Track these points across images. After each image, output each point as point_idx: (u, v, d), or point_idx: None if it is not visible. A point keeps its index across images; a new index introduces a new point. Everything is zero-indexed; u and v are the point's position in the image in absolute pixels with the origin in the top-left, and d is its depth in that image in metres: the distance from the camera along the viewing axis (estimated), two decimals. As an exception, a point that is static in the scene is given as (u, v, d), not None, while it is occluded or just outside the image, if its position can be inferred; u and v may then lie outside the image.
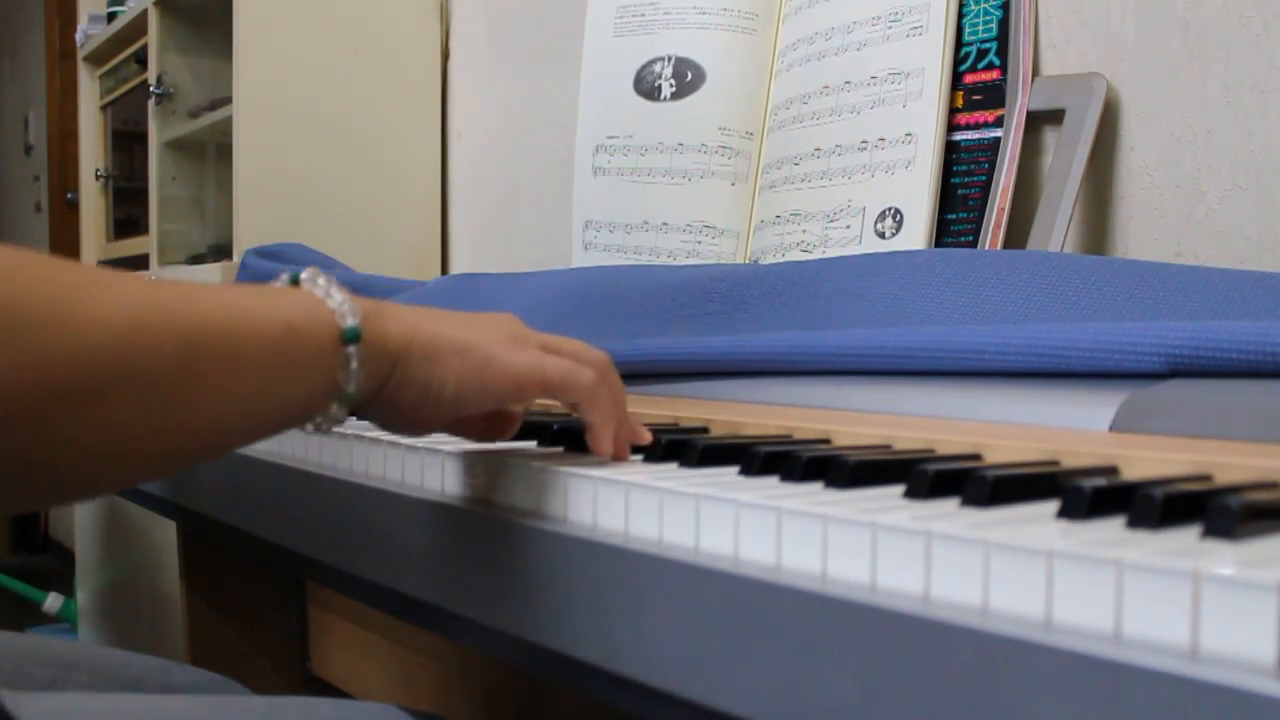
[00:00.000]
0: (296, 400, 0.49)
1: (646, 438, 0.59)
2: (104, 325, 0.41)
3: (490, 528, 0.55)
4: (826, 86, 1.10)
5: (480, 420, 0.59)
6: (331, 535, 0.69)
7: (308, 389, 0.49)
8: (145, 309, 0.42)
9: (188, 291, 0.45)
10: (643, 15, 1.31)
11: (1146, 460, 0.47)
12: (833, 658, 0.38)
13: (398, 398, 0.52)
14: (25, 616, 2.75)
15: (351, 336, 0.49)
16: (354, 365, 0.49)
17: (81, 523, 2.31)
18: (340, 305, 0.49)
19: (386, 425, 0.55)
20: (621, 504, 0.49)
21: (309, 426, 0.51)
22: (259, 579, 1.44)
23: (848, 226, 1.06)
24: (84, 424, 0.40)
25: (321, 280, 0.50)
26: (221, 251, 1.92)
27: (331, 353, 0.49)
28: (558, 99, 1.65)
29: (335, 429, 0.53)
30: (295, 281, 0.51)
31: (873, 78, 1.06)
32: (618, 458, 0.57)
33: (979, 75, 1.02)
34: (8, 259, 0.39)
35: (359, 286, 1.31)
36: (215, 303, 0.45)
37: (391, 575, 0.63)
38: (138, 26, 2.11)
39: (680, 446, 0.56)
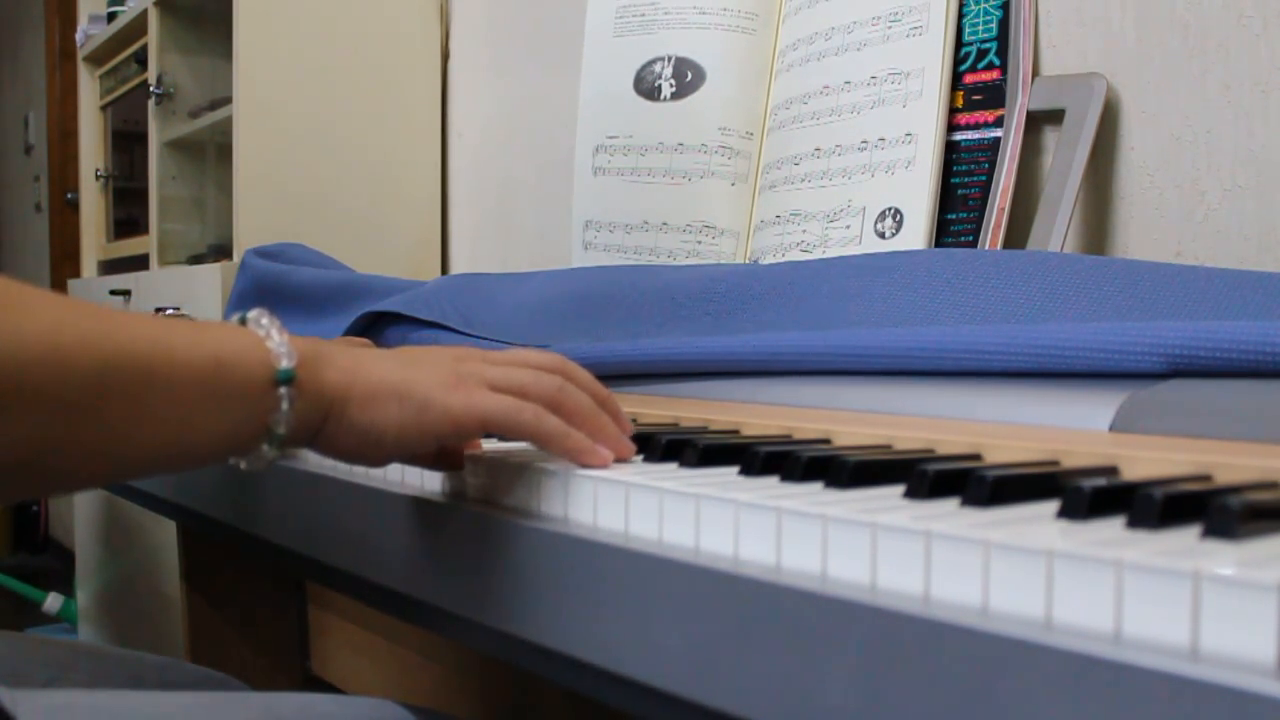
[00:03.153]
0: (221, 435, 0.49)
1: (627, 428, 0.58)
2: (17, 340, 0.41)
3: (490, 528, 0.55)
4: (826, 86, 1.10)
5: (431, 454, 0.59)
6: (331, 535, 0.69)
7: (234, 426, 0.49)
8: (61, 328, 0.43)
9: (114, 317, 0.45)
10: (643, 15, 1.31)
11: (1146, 460, 0.47)
12: (833, 658, 0.38)
13: (335, 442, 0.53)
14: (25, 616, 2.75)
15: (284, 378, 0.49)
16: (284, 407, 0.49)
17: (81, 523, 2.31)
18: (278, 346, 0.50)
19: (333, 457, 0.56)
20: (621, 504, 0.49)
21: (242, 464, 0.51)
22: (259, 579, 1.44)
23: (848, 226, 1.06)
24: None
25: (265, 320, 0.51)
26: (221, 251, 1.92)
27: (263, 393, 0.49)
28: (558, 99, 1.65)
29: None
30: (244, 321, 0.51)
31: (873, 78, 1.06)
32: (617, 460, 0.56)
33: (979, 75, 1.02)
34: None
35: (360, 287, 1.32)
36: (140, 331, 0.46)
37: (391, 575, 0.63)
38: (138, 26, 2.11)
39: (680, 446, 0.56)
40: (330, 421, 0.52)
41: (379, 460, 0.56)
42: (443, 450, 0.60)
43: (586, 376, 0.60)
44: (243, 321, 0.51)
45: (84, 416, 0.43)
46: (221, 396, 0.48)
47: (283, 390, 0.49)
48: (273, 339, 0.50)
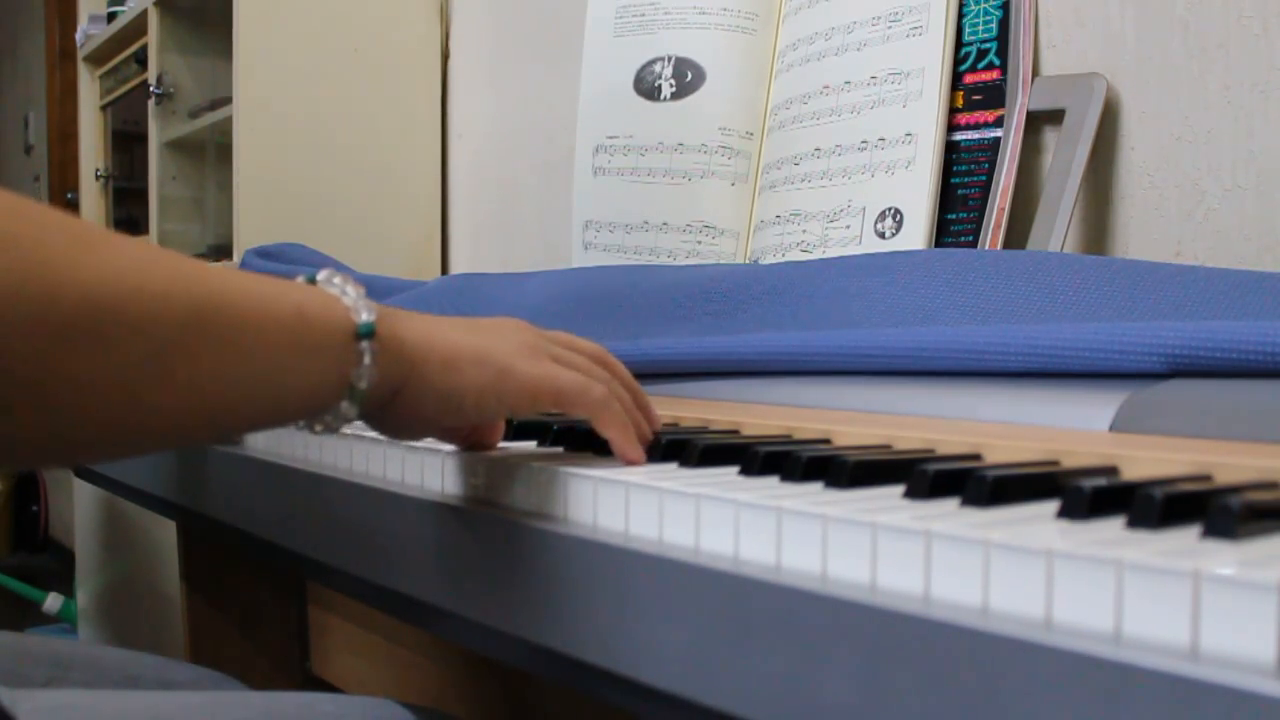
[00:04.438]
0: (305, 387, 0.48)
1: (657, 424, 0.60)
2: (112, 273, 0.41)
3: (490, 528, 0.55)
4: (826, 86, 1.10)
5: (470, 431, 0.60)
6: (331, 535, 0.69)
7: (318, 378, 0.48)
8: (153, 267, 0.43)
9: (197, 263, 0.46)
10: (643, 15, 1.31)
11: (1146, 460, 0.47)
12: (833, 658, 0.38)
13: (417, 405, 0.52)
14: (25, 616, 2.75)
15: (366, 331, 0.49)
16: (367, 361, 0.49)
17: (81, 523, 2.31)
18: (355, 301, 0.50)
19: (396, 431, 0.55)
20: (621, 504, 0.49)
21: (318, 426, 0.51)
22: (259, 579, 1.44)
23: (848, 226, 1.06)
24: (86, 365, 0.40)
25: (337, 279, 0.51)
26: (221, 251, 1.92)
27: (344, 346, 0.49)
28: (558, 99, 1.65)
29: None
30: (311, 280, 0.51)
31: (873, 78, 1.06)
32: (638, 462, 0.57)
33: (979, 75, 1.02)
34: (30, 208, 0.40)
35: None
36: (226, 277, 0.46)
37: (391, 575, 0.63)
38: (138, 26, 2.11)
39: (680, 446, 0.56)
40: (412, 382, 0.52)
41: (448, 426, 0.56)
42: (480, 428, 0.60)
43: (624, 369, 0.61)
44: (311, 280, 0.51)
45: (176, 359, 0.43)
46: (306, 348, 0.48)
47: (364, 345, 0.49)
48: (348, 295, 0.50)
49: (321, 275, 0.51)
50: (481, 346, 0.53)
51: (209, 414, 0.46)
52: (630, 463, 0.55)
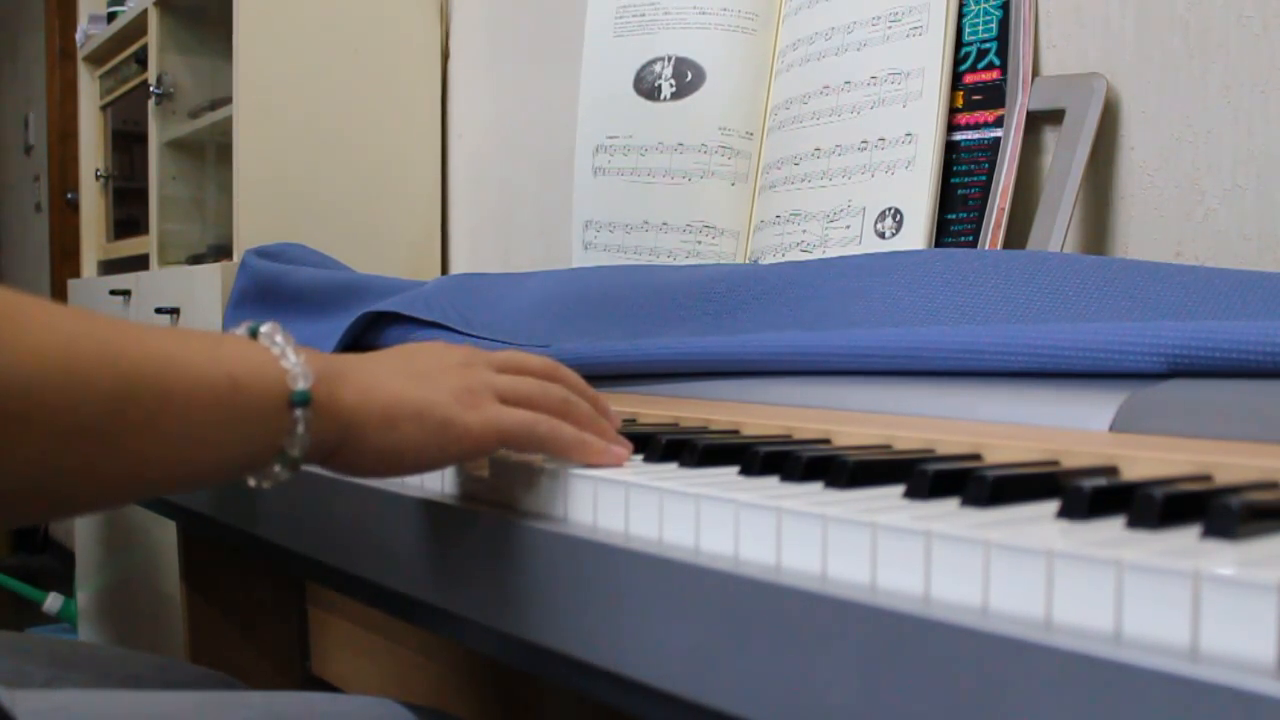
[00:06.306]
0: (235, 456, 0.47)
1: (616, 423, 0.59)
2: (32, 354, 0.40)
3: (490, 528, 0.55)
4: (826, 86, 1.10)
5: None
6: (331, 535, 0.69)
7: (248, 447, 0.47)
8: (78, 343, 0.41)
9: (128, 331, 0.44)
10: (643, 15, 1.31)
11: (1146, 460, 0.47)
12: (833, 658, 0.38)
13: (354, 461, 0.52)
14: (25, 616, 2.75)
15: (300, 400, 0.48)
16: (300, 430, 0.48)
17: (81, 523, 2.31)
18: (294, 367, 0.48)
19: (344, 474, 0.55)
20: (621, 504, 0.49)
21: (251, 482, 0.50)
22: (259, 579, 1.44)
23: (848, 226, 1.06)
24: (4, 452, 0.39)
25: (279, 338, 0.49)
26: (221, 251, 1.92)
27: (277, 414, 0.47)
28: (558, 99, 1.65)
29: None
30: (254, 333, 0.50)
31: (873, 78, 1.06)
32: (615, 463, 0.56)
33: (979, 75, 1.02)
34: None
35: (359, 287, 1.31)
36: (155, 346, 0.44)
37: (391, 575, 0.63)
38: (138, 26, 2.11)
39: (680, 446, 0.56)
40: (349, 443, 0.51)
41: (391, 477, 0.56)
42: None
43: (578, 380, 0.60)
44: (254, 333, 0.50)
45: (98, 439, 0.42)
46: (237, 417, 0.46)
47: (298, 413, 0.48)
48: (288, 359, 0.48)
49: (264, 330, 0.50)
50: (420, 400, 0.52)
51: (127, 491, 0.45)
52: (606, 466, 0.54)
